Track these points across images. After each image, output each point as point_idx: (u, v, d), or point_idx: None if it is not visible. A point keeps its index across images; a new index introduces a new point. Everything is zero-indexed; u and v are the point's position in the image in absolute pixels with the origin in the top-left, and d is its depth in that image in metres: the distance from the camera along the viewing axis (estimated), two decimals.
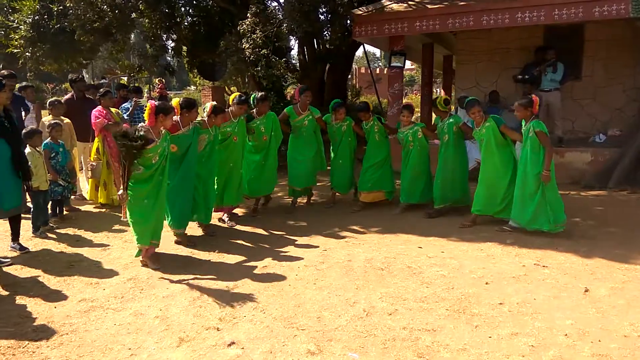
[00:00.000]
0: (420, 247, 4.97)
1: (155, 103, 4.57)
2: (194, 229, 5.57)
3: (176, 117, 4.92)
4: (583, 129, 8.97)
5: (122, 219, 4.88)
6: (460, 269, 4.35)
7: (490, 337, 3.16)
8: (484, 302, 3.67)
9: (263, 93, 6.30)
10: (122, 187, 4.31)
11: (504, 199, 5.44)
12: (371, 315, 3.47)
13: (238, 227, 5.90)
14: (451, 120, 5.98)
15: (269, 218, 6.24)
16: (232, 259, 4.78)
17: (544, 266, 4.37)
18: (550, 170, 4.98)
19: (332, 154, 6.73)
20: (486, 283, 4.03)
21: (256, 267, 4.50)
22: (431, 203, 6.24)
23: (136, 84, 13.20)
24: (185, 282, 4.18)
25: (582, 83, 8.90)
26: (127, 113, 7.32)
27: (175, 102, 4.97)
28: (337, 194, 6.89)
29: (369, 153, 6.53)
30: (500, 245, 4.97)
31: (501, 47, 9.48)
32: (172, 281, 4.20)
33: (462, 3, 7.77)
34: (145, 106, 4.64)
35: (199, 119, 5.29)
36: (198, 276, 4.30)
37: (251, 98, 6.19)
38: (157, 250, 4.72)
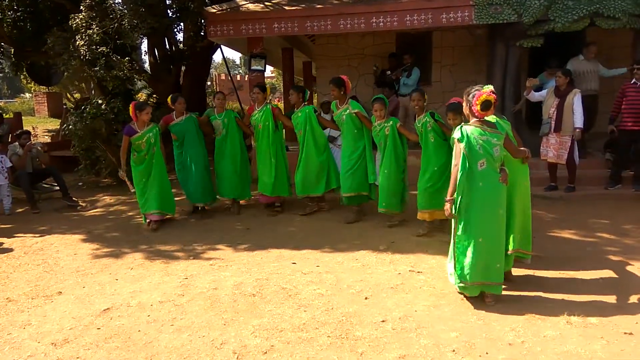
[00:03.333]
0: (294, 263, 4.55)
1: (134, 102, 5.90)
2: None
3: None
4: None
5: (131, 190, 5.99)
6: (338, 284, 4.01)
7: None
8: (366, 321, 3.36)
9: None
10: (121, 168, 5.95)
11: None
12: (243, 358, 2.91)
13: (83, 252, 4.89)
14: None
15: (116, 239, 5.31)
16: (62, 301, 3.83)
17: (418, 272, 4.25)
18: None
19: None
20: (365, 298, 3.74)
21: (94, 310, 3.63)
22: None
23: None
24: None
25: (432, 88, 9.37)
26: None
27: (169, 99, 6.20)
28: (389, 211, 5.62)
29: (425, 159, 5.23)
30: (374, 253, 4.77)
31: (358, 53, 9.65)
32: None
33: (319, 6, 7.63)
34: None
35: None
36: (13, 333, 3.30)
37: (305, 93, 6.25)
38: None
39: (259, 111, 6.15)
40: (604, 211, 5.87)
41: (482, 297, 3.56)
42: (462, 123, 3.66)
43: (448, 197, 3.55)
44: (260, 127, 6.15)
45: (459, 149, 3.52)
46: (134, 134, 5.72)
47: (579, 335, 3.06)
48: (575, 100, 6.33)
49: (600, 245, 4.78)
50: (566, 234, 5.14)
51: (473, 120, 3.52)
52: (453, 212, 3.54)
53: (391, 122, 5.44)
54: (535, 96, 6.87)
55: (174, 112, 6.18)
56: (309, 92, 6.57)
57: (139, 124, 5.75)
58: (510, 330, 3.15)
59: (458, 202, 3.51)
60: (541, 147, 6.72)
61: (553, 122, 6.51)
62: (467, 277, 3.47)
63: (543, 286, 3.84)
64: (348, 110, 5.70)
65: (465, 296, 3.61)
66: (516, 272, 4.07)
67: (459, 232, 3.51)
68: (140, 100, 9.27)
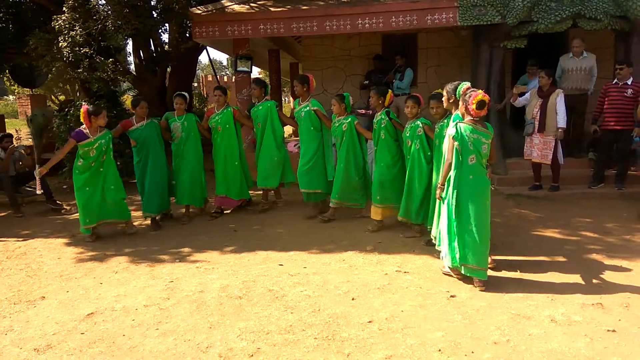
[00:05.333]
0: (281, 265, 4.53)
1: (87, 107, 5.43)
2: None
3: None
4: None
5: (37, 192, 6.03)
6: (325, 286, 4.01)
7: None
8: (352, 322, 3.36)
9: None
10: (44, 166, 5.44)
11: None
12: None
13: (59, 256, 4.82)
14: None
15: (100, 243, 5.25)
16: (45, 306, 3.78)
17: (405, 272, 4.26)
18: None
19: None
20: (352, 299, 3.74)
21: (78, 315, 3.59)
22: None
23: None
24: None
25: (419, 89, 9.42)
26: None
27: (129, 102, 6.02)
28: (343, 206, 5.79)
29: (377, 156, 5.39)
30: (361, 253, 4.78)
31: (344, 54, 9.68)
32: None
33: (305, 7, 7.63)
34: None
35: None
36: None
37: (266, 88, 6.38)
38: None
39: (219, 113, 6.11)
40: (588, 210, 5.95)
41: (471, 280, 3.86)
42: (458, 121, 3.89)
43: (439, 185, 4.03)
44: (219, 130, 6.11)
45: (452, 145, 3.84)
46: (83, 140, 5.28)
47: (563, 333, 3.09)
48: (558, 101, 6.41)
49: (584, 243, 4.84)
50: (550, 233, 5.20)
51: (468, 118, 3.81)
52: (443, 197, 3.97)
53: (349, 119, 5.62)
54: (520, 102, 6.94)
55: (134, 117, 5.86)
56: (269, 86, 6.73)
57: (91, 129, 5.34)
58: (495, 329, 3.17)
59: (449, 192, 3.87)
60: (525, 147, 6.80)
61: (536, 123, 6.58)
62: (466, 259, 3.78)
63: (527, 285, 3.88)
64: (308, 107, 5.87)
65: (458, 278, 3.94)
66: (503, 273, 4.12)
67: (453, 217, 3.82)
68: (126, 102, 9.19)
